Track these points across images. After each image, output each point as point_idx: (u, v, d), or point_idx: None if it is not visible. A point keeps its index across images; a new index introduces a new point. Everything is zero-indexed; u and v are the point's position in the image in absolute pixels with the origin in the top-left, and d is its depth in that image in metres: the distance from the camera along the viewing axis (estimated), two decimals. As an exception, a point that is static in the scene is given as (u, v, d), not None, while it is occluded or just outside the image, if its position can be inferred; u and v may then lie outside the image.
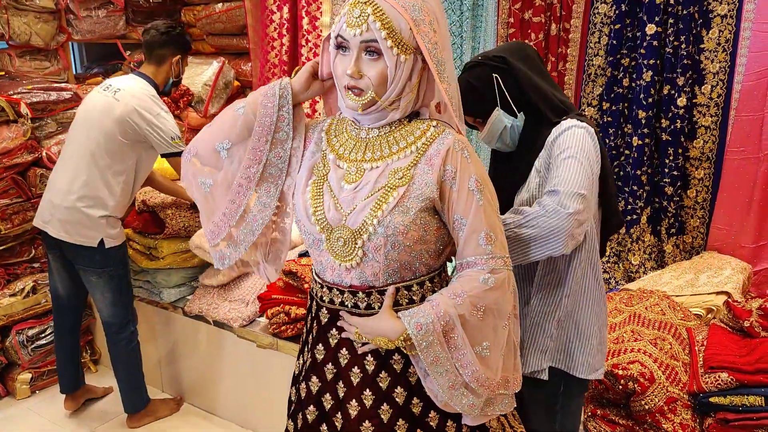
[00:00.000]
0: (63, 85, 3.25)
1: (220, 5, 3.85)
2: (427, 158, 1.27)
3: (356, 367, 1.35)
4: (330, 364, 1.38)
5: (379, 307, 1.31)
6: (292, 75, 1.39)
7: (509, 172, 1.56)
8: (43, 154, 3.06)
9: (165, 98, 2.81)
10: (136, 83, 2.52)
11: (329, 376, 1.38)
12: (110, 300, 2.59)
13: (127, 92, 2.47)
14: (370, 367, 1.34)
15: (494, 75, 1.49)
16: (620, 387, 1.80)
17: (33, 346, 3.05)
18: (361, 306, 1.33)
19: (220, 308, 2.72)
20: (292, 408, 1.51)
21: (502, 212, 1.50)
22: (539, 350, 1.55)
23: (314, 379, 1.41)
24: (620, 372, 1.80)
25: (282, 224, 1.49)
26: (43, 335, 3.09)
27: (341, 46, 1.26)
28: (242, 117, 1.38)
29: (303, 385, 1.45)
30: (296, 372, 1.53)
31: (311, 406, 1.41)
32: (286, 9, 3.44)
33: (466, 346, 1.22)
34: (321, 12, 3.38)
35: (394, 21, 1.20)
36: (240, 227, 1.43)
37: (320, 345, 1.41)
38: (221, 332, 2.77)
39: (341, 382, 1.37)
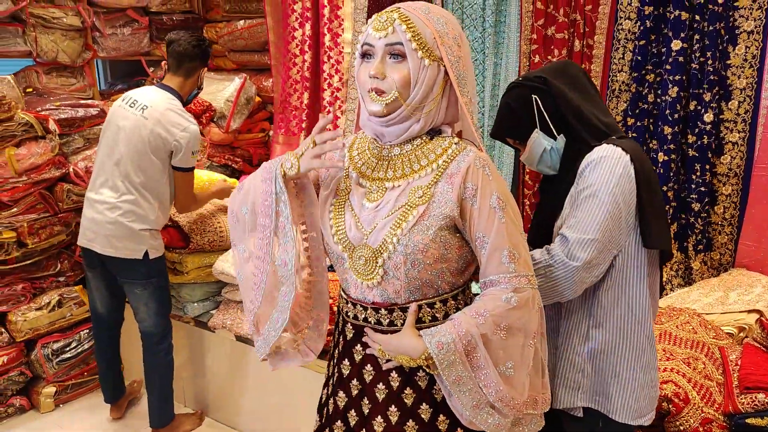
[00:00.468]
0: (90, 101, 3.30)
1: (242, 22, 3.90)
2: (447, 176, 1.27)
3: (381, 384, 1.35)
4: (355, 380, 1.39)
5: (402, 324, 1.32)
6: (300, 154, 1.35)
7: (551, 196, 1.53)
8: (71, 169, 3.10)
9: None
10: (162, 97, 2.55)
11: (354, 392, 1.39)
12: (154, 310, 2.64)
13: (154, 110, 2.50)
14: (395, 384, 1.34)
15: (533, 96, 1.47)
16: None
17: (58, 359, 3.08)
18: (383, 323, 1.34)
19: (244, 323, 2.72)
20: (318, 425, 1.51)
21: (545, 240, 1.49)
22: (570, 386, 1.51)
23: (341, 394, 1.42)
24: (653, 392, 1.78)
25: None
26: (68, 348, 3.11)
27: (366, 54, 1.29)
28: (247, 220, 1.42)
29: (330, 400, 1.45)
30: (323, 396, 1.53)
31: (338, 422, 1.42)
32: (308, 26, 3.47)
33: (489, 365, 1.21)
34: (342, 29, 3.41)
35: (419, 27, 1.24)
36: (268, 307, 1.42)
37: (346, 360, 1.42)
38: (245, 347, 2.78)
39: (366, 398, 1.37)
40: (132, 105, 2.54)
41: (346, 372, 1.41)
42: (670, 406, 1.75)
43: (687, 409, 1.75)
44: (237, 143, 3.91)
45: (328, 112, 3.52)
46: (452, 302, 1.34)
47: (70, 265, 3.20)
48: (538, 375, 1.29)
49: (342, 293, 1.42)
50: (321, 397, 1.53)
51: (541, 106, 1.46)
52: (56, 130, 3.02)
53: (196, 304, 2.92)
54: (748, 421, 1.72)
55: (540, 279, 1.40)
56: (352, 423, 1.39)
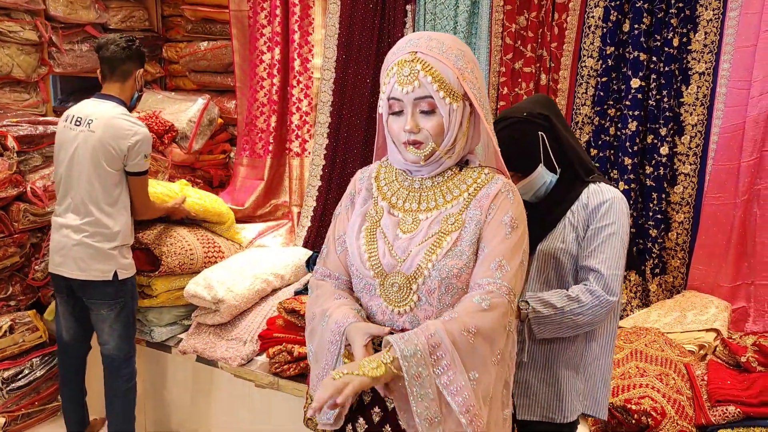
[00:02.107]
0: (50, 118, 3.18)
1: (205, 43, 3.88)
2: (477, 201, 1.32)
3: (388, 426, 1.34)
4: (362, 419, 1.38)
5: None
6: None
7: (532, 221, 1.64)
8: (28, 188, 2.96)
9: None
10: (105, 107, 2.50)
11: (376, 419, 1.37)
12: (118, 333, 2.55)
13: (99, 121, 2.45)
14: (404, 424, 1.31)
15: (540, 133, 1.57)
16: (634, 421, 1.88)
17: (8, 388, 2.90)
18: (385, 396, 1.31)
19: (217, 347, 2.67)
20: None
21: None
22: (574, 396, 1.62)
23: (361, 420, 1.40)
24: (633, 407, 1.89)
25: None
26: (19, 377, 2.94)
27: (394, 108, 1.32)
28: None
29: (349, 426, 1.44)
30: None
31: None
32: (277, 50, 3.49)
33: (457, 367, 1.16)
34: (313, 54, 3.45)
35: (442, 72, 1.28)
36: None
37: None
38: (214, 371, 2.72)
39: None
40: (77, 123, 2.48)
41: (367, 399, 1.39)
42: (649, 420, 1.87)
43: (664, 422, 1.87)
44: (198, 164, 3.85)
45: (297, 136, 3.54)
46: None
47: (21, 288, 3.04)
48: (498, 408, 1.25)
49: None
50: None
51: (547, 143, 1.56)
52: (15, 147, 2.89)
53: (163, 328, 2.84)
54: None
55: (587, 318, 1.52)
56: None
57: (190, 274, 2.84)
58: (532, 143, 1.57)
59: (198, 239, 2.92)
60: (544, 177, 1.59)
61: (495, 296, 1.22)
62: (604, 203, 1.55)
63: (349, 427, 1.42)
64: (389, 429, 1.35)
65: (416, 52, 1.29)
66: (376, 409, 1.37)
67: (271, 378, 2.53)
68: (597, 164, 2.85)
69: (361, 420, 1.40)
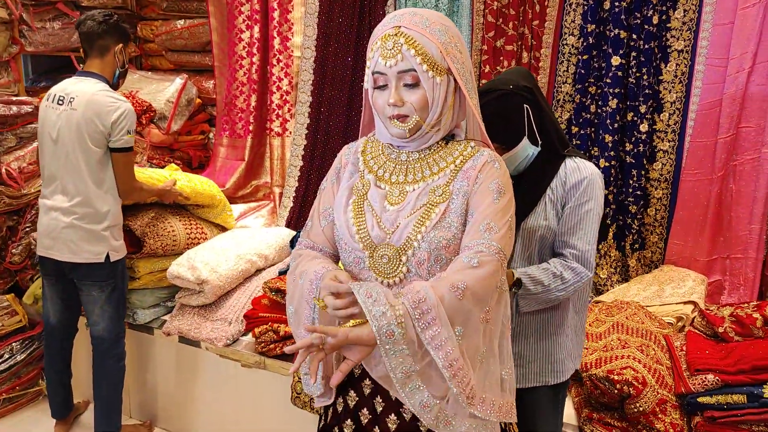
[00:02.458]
0: (24, 98, 3.10)
1: (181, 22, 3.81)
2: (463, 172, 1.34)
3: (393, 414, 1.36)
4: (365, 409, 1.39)
5: None
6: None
7: (519, 195, 1.67)
8: (2, 170, 2.90)
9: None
10: (87, 84, 2.45)
11: (367, 391, 1.40)
12: (109, 314, 2.53)
13: (81, 98, 2.41)
14: (408, 415, 1.34)
15: (525, 106, 1.58)
16: (616, 391, 1.93)
17: (-13, 373, 2.86)
18: (355, 361, 1.28)
19: (201, 328, 2.66)
20: (328, 420, 1.50)
21: None
22: (573, 356, 1.71)
23: (352, 393, 1.43)
24: (615, 377, 1.93)
25: None
26: (0, 361, 2.90)
27: (379, 82, 1.33)
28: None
29: (339, 398, 1.46)
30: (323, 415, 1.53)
31: (348, 420, 1.43)
32: (256, 29, 3.45)
33: (442, 321, 1.16)
34: (292, 33, 3.41)
35: (425, 46, 1.28)
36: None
37: (352, 392, 1.42)
38: (199, 353, 2.72)
39: (377, 427, 1.37)
40: (60, 102, 2.43)
41: (352, 404, 1.41)
42: (631, 389, 1.91)
43: (645, 391, 1.92)
44: (177, 145, 3.80)
45: (278, 116, 3.51)
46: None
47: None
48: (484, 367, 1.24)
49: None
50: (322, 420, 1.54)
51: (531, 116, 1.58)
52: (-12, 127, 2.82)
53: (147, 310, 2.82)
54: (700, 399, 1.91)
55: (569, 292, 1.58)
56: (364, 422, 1.39)
57: (173, 255, 2.82)
58: (517, 116, 1.59)
59: (180, 221, 2.89)
60: (527, 150, 1.61)
61: (484, 255, 1.23)
62: (583, 181, 1.58)
63: (340, 399, 1.45)
64: (380, 400, 1.37)
65: (400, 27, 1.29)
66: (366, 382, 1.40)
67: (257, 357, 2.54)
68: (578, 142, 2.88)
69: (352, 393, 1.42)
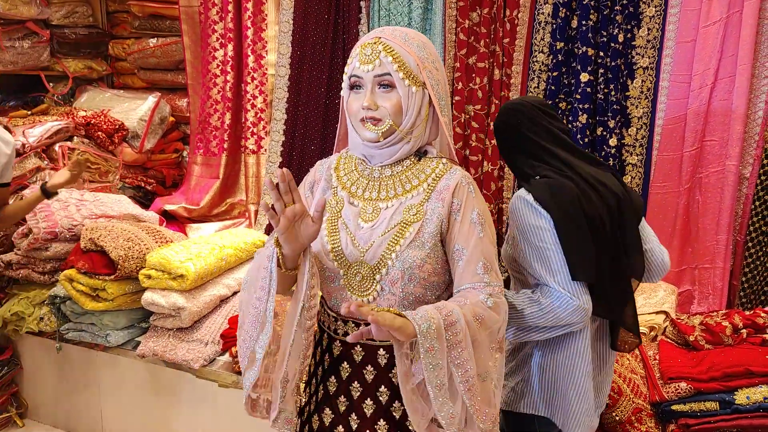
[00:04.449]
0: (-8, 118, 3.05)
1: (154, 40, 3.80)
2: (437, 193, 1.37)
3: (369, 399, 1.39)
4: (342, 396, 1.42)
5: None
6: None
7: None
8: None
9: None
10: None
11: (342, 408, 1.42)
12: None
13: None
14: (384, 398, 1.38)
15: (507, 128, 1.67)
16: (593, 401, 1.96)
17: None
18: (376, 339, 1.36)
19: (177, 349, 2.62)
20: None
21: None
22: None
23: (327, 411, 1.43)
24: (592, 388, 1.97)
25: None
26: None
27: (355, 86, 1.36)
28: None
29: (315, 417, 1.47)
30: (301, 404, 1.54)
31: None
32: (230, 47, 3.45)
33: (467, 345, 1.23)
34: (267, 51, 3.43)
35: (403, 56, 1.33)
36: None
37: (333, 378, 1.44)
38: (175, 374, 2.68)
39: (354, 414, 1.40)
40: None
41: (332, 389, 1.43)
42: (607, 399, 1.95)
43: (621, 401, 1.96)
44: (150, 164, 3.77)
45: (253, 133, 3.51)
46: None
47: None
48: (488, 390, 1.30)
49: (328, 311, 1.45)
50: (302, 414, 1.54)
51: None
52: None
53: (120, 331, 2.77)
54: (674, 407, 1.95)
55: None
56: None
57: (147, 275, 2.77)
58: (500, 135, 1.68)
59: (155, 241, 2.86)
60: None
61: (495, 297, 1.31)
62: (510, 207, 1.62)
63: (315, 417, 1.47)
64: (355, 417, 1.40)
65: (380, 37, 1.34)
66: (342, 399, 1.42)
67: (234, 377, 2.51)
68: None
69: (327, 410, 1.44)
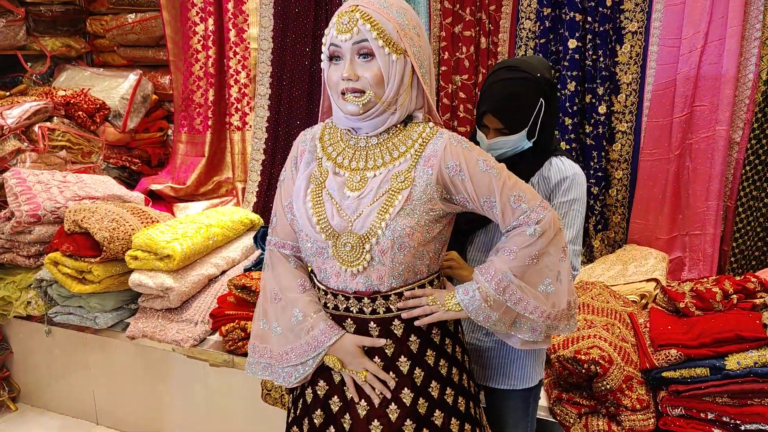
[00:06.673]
0: (-32, 101, 2.98)
1: (132, 15, 3.71)
2: (425, 159, 1.33)
3: (363, 401, 1.39)
4: (335, 397, 1.41)
5: (384, 312, 1.36)
6: None
7: None
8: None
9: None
10: None
11: (337, 379, 1.41)
12: None
13: None
14: (376, 401, 1.38)
15: (541, 100, 1.53)
16: (584, 371, 1.96)
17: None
18: (366, 311, 1.36)
19: (167, 330, 2.60)
20: (297, 413, 1.50)
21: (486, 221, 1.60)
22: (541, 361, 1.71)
23: (321, 383, 1.43)
24: (583, 357, 1.96)
25: None
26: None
27: (334, 56, 1.32)
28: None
29: (308, 390, 1.46)
30: (297, 389, 1.53)
31: (318, 410, 1.43)
32: (211, 21, 3.37)
33: (528, 295, 1.33)
34: (248, 24, 3.35)
35: (381, 23, 1.27)
36: None
37: None
38: (166, 354, 2.66)
39: (348, 415, 1.39)
40: None
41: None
42: (598, 368, 1.94)
43: (612, 369, 1.95)
44: (134, 143, 3.71)
45: (237, 110, 3.45)
46: (430, 288, 1.39)
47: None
48: (568, 280, 1.39)
49: (319, 285, 1.43)
50: (294, 391, 1.53)
51: (542, 111, 1.54)
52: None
53: (108, 313, 2.74)
54: (664, 374, 1.95)
55: None
56: (335, 410, 1.40)
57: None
58: (531, 106, 1.53)
59: (141, 221, 2.82)
60: (519, 142, 1.57)
61: (541, 221, 1.33)
62: (566, 179, 1.57)
63: (309, 390, 1.46)
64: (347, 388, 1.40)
65: (357, 5, 1.29)
66: (333, 373, 1.41)
67: (225, 356, 2.50)
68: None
69: (321, 383, 1.43)
